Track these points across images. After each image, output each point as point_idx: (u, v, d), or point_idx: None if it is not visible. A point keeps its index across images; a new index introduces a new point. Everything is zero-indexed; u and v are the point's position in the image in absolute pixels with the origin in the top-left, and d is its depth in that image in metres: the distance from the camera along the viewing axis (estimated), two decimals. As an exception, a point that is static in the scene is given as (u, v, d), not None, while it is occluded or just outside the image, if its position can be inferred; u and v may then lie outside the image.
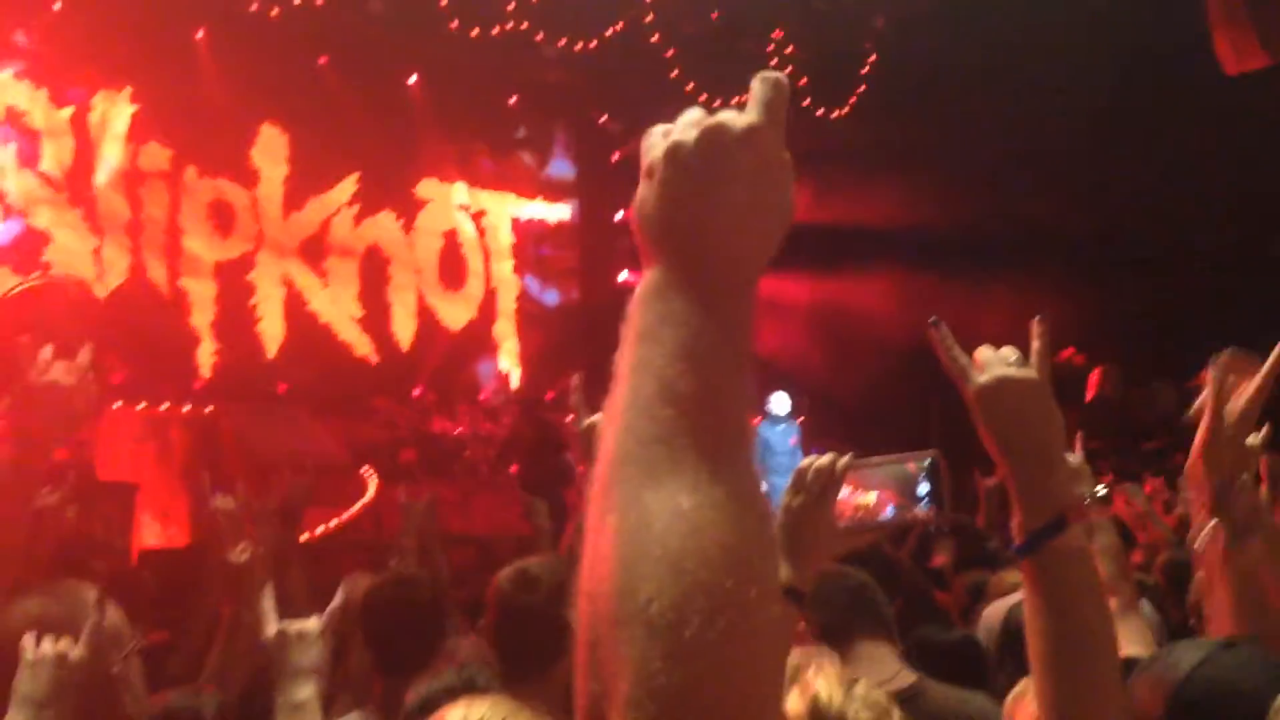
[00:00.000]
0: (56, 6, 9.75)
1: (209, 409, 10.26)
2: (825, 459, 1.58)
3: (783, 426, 10.14)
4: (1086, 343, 9.94)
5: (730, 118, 0.85)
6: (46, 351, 2.29)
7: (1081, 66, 10.45)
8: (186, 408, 10.27)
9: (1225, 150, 10.03)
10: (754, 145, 0.85)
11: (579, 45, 12.05)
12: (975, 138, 11.15)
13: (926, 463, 1.53)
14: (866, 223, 11.48)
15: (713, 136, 0.85)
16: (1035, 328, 1.51)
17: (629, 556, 0.73)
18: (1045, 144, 10.95)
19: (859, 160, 11.75)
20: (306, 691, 2.09)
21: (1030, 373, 1.47)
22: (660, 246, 0.84)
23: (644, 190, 0.86)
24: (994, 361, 1.48)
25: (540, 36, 11.92)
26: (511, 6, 11.38)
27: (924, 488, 1.52)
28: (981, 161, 11.27)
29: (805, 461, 1.60)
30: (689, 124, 0.87)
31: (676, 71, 12.32)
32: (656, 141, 0.88)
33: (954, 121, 11.17)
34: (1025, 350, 1.50)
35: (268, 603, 2.23)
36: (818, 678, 1.46)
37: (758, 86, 0.87)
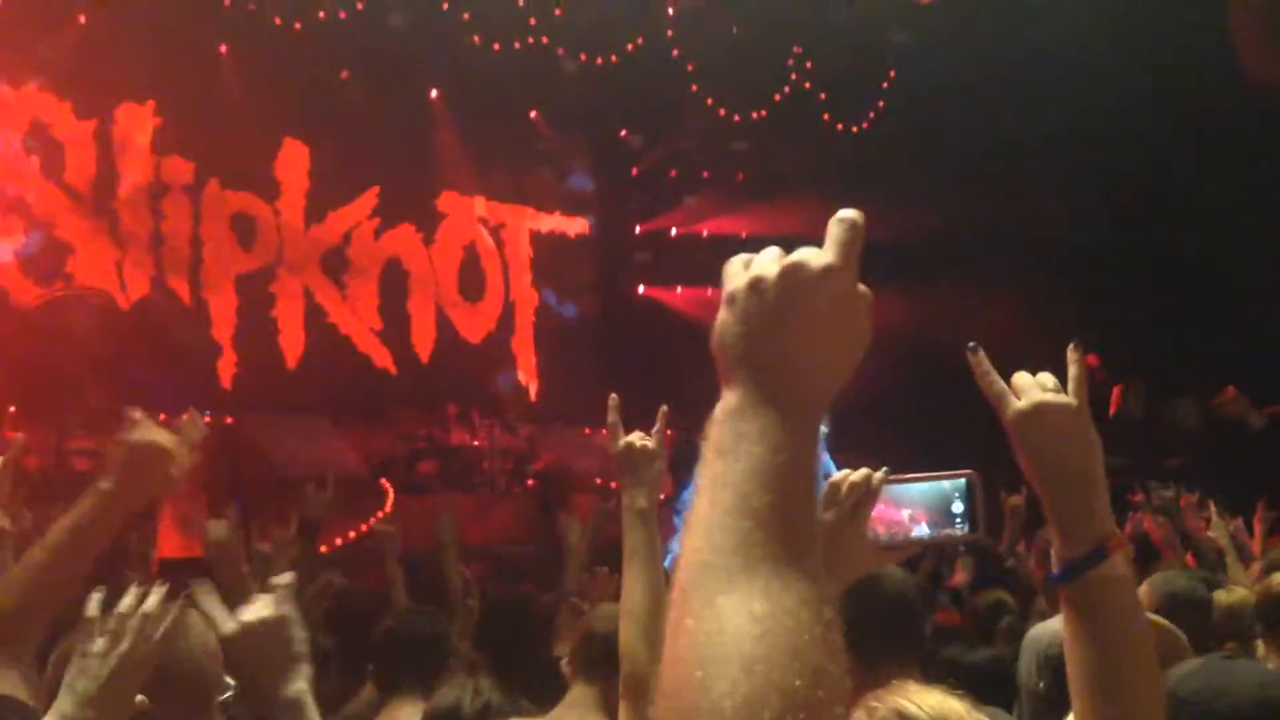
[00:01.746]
0: (81, 20, 9.85)
1: (229, 419, 10.32)
2: (859, 474, 1.57)
3: None
4: (1106, 358, 9.87)
5: (810, 256, 0.92)
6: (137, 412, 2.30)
7: (1103, 76, 10.41)
8: (207, 418, 10.34)
9: (1249, 161, 9.97)
10: (831, 283, 0.91)
11: (599, 60, 12.09)
12: (994, 150, 11.13)
13: (962, 482, 1.52)
14: (884, 236, 11.43)
15: (792, 273, 0.92)
16: (1071, 354, 1.50)
17: (705, 658, 0.78)
18: (1067, 157, 10.93)
19: (877, 173, 11.74)
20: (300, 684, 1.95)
21: (1068, 398, 1.46)
22: (740, 370, 0.91)
23: (725, 316, 0.93)
24: (1031, 387, 1.47)
25: (560, 51, 11.98)
26: (532, 21, 11.44)
27: (959, 507, 1.51)
28: (999, 173, 11.24)
29: (839, 475, 1.59)
30: (771, 259, 0.93)
31: (696, 86, 12.35)
32: (737, 271, 0.94)
33: (972, 134, 11.14)
34: (1062, 375, 1.49)
35: (210, 601, 1.98)
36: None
37: (835, 228, 0.93)
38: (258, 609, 1.93)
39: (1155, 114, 10.29)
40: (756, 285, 0.92)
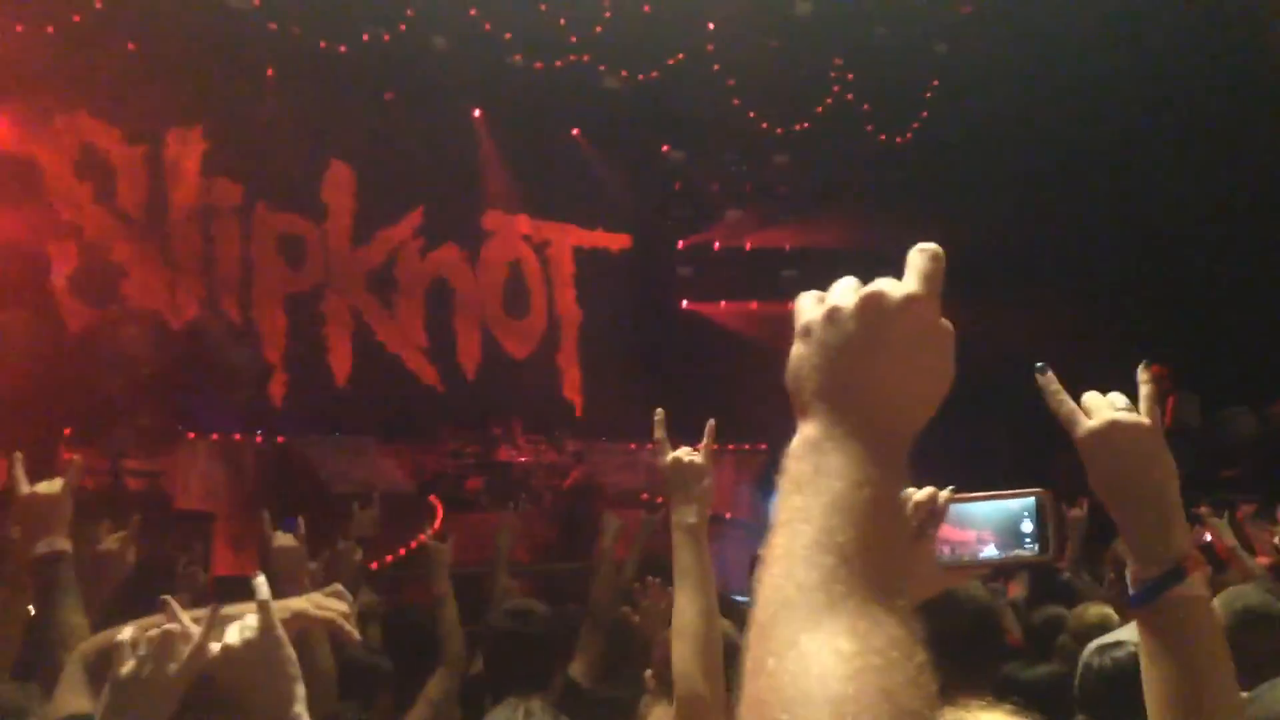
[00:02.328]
0: (130, 47, 10.03)
1: (280, 439, 10.43)
2: (925, 492, 1.54)
3: None
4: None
5: (888, 286, 0.89)
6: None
7: (1147, 84, 10.29)
8: (258, 437, 10.46)
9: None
10: (912, 313, 0.88)
11: (640, 75, 12.13)
12: (1039, 161, 11.03)
13: (1031, 501, 1.49)
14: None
15: (871, 303, 0.89)
16: (1142, 373, 1.48)
17: (789, 699, 0.75)
18: (1113, 166, 10.81)
19: (920, 184, 11.67)
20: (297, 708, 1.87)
21: (1140, 417, 1.44)
22: (818, 404, 0.88)
23: (800, 350, 0.91)
24: (1102, 406, 1.45)
25: (601, 67, 12.03)
26: (573, 39, 11.49)
27: (1028, 527, 1.48)
28: (1045, 184, 11.14)
29: (903, 494, 1.56)
30: (848, 289, 0.90)
31: (737, 100, 12.35)
32: (810, 305, 0.92)
33: (1016, 145, 11.05)
34: (1119, 388, 1.47)
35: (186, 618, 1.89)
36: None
37: (916, 257, 0.90)
38: (241, 630, 1.79)
39: (1204, 124, 10.15)
40: (834, 316, 0.89)
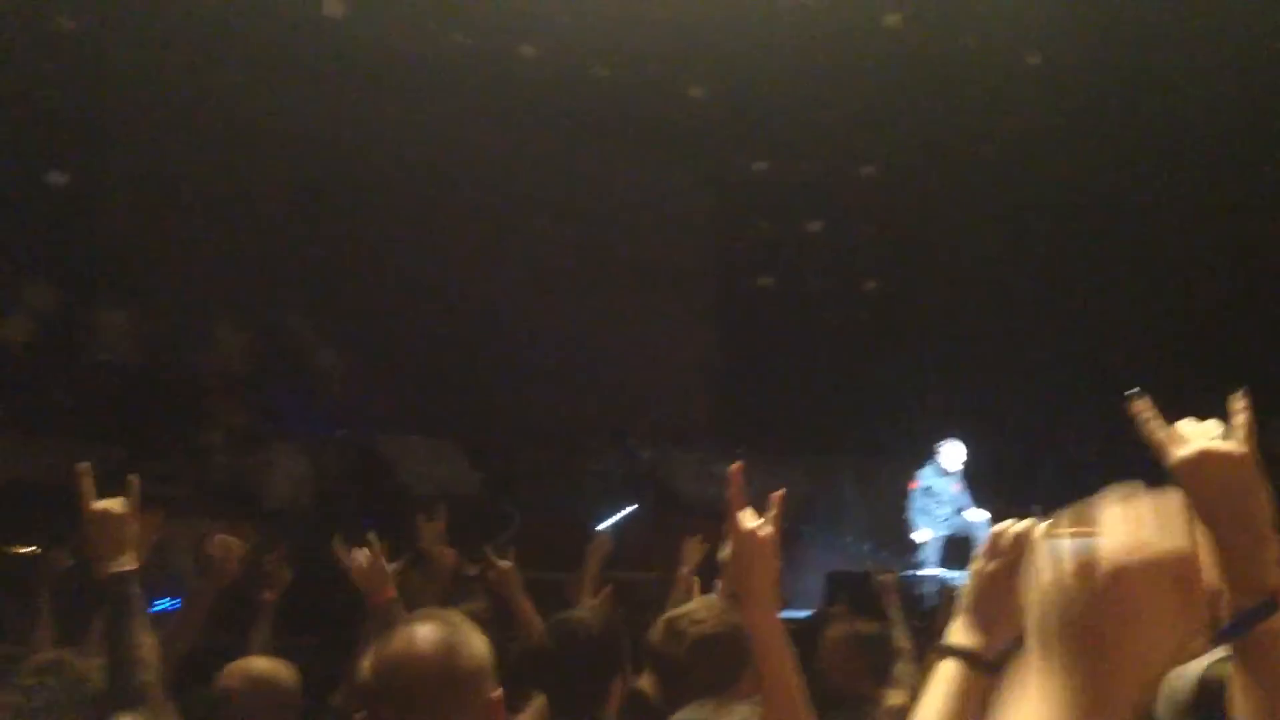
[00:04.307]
0: None
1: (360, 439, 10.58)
2: (1023, 525, 1.54)
3: (949, 476, 9.74)
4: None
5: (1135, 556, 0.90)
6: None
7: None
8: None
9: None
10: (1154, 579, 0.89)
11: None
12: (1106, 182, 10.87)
13: None
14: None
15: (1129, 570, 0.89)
16: (1236, 402, 1.48)
17: None
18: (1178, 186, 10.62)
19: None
20: None
21: (1234, 445, 1.44)
22: (1055, 643, 0.90)
23: (1048, 587, 0.92)
24: (1196, 435, 1.45)
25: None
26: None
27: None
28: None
29: (1001, 526, 1.56)
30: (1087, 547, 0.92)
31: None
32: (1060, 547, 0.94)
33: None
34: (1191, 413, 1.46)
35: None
36: None
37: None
38: None
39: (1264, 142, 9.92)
40: (1085, 570, 0.91)
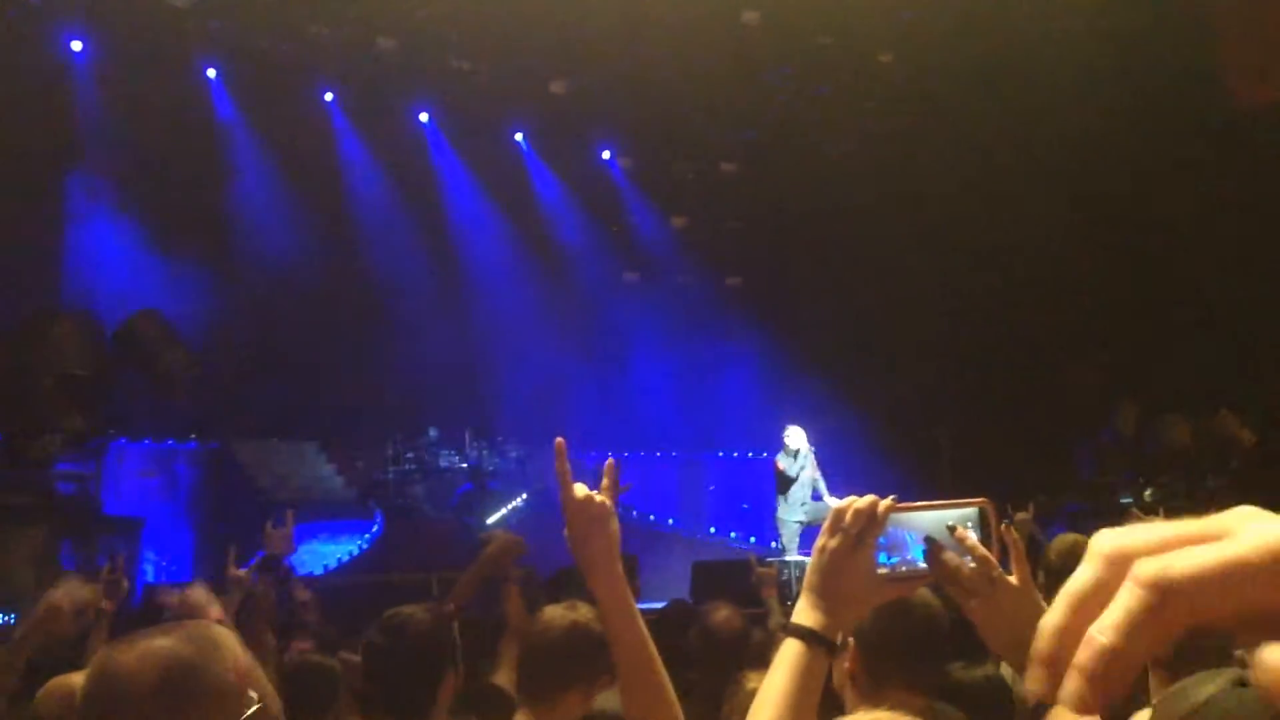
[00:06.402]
0: None
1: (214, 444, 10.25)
2: (866, 500, 1.49)
3: (799, 460, 9.83)
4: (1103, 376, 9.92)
5: None
6: None
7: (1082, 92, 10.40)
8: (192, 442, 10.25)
9: (1234, 183, 10.00)
10: None
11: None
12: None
13: (974, 512, 1.47)
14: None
15: None
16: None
17: None
18: (1052, 175, 10.92)
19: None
20: None
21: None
22: None
23: None
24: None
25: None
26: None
27: (971, 537, 1.47)
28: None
29: (844, 502, 1.50)
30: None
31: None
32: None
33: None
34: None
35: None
36: None
37: None
38: None
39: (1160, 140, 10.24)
40: None
